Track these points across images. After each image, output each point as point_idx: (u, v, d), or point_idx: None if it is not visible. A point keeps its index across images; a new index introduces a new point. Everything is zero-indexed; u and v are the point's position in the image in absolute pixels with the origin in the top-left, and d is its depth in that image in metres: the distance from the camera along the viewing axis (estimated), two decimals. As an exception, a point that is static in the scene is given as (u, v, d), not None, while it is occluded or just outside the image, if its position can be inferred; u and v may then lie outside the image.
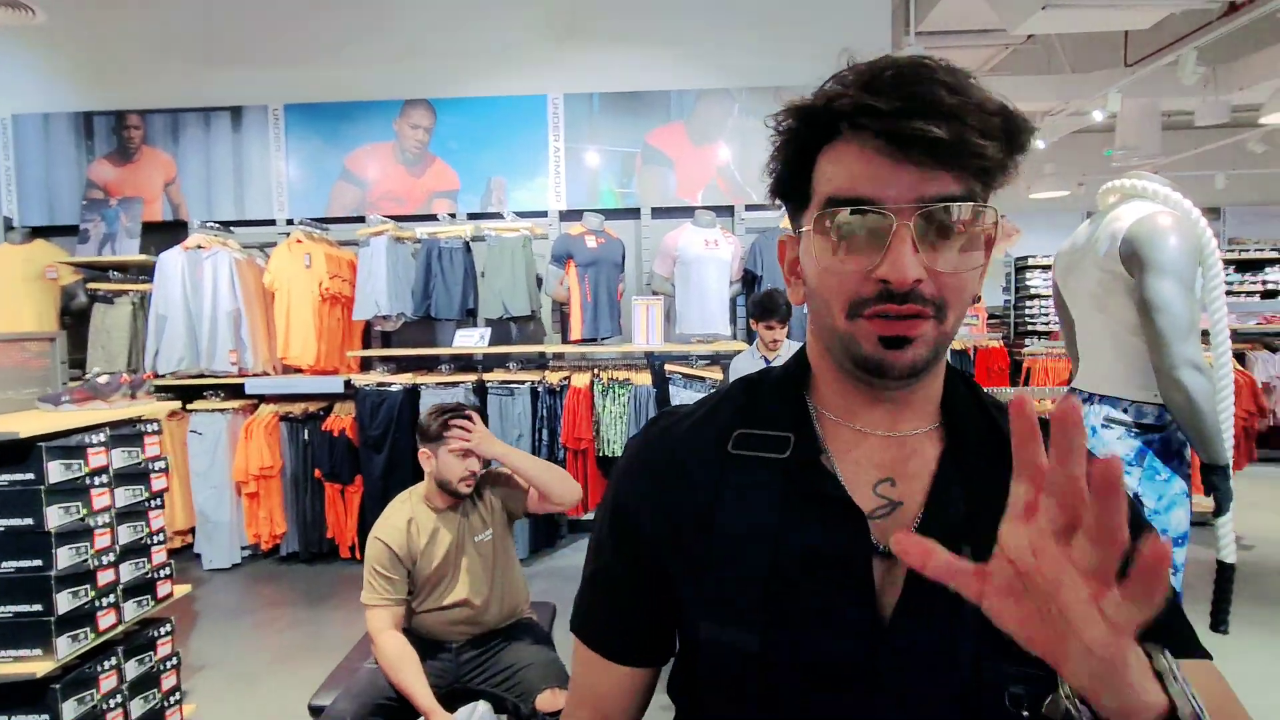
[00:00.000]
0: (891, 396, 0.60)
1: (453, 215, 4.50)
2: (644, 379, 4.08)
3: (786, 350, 3.20)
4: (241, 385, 4.23)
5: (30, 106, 4.69)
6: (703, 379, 4.03)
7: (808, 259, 0.58)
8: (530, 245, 4.24)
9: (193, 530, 4.21)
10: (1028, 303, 9.06)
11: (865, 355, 0.55)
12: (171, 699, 2.34)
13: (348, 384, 4.19)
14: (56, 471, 1.94)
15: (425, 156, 4.59)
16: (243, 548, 4.23)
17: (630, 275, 4.52)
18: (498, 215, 4.47)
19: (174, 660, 2.35)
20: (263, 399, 4.31)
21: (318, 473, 4.11)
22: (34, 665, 1.87)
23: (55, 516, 1.92)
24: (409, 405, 4.11)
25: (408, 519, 1.85)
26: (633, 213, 4.57)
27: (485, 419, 4.14)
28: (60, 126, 4.67)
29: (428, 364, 4.55)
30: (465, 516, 1.91)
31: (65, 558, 1.94)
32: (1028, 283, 8.99)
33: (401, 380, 4.11)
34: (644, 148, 4.50)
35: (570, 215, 4.52)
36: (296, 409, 4.18)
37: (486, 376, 4.16)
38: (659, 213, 4.54)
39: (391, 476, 4.07)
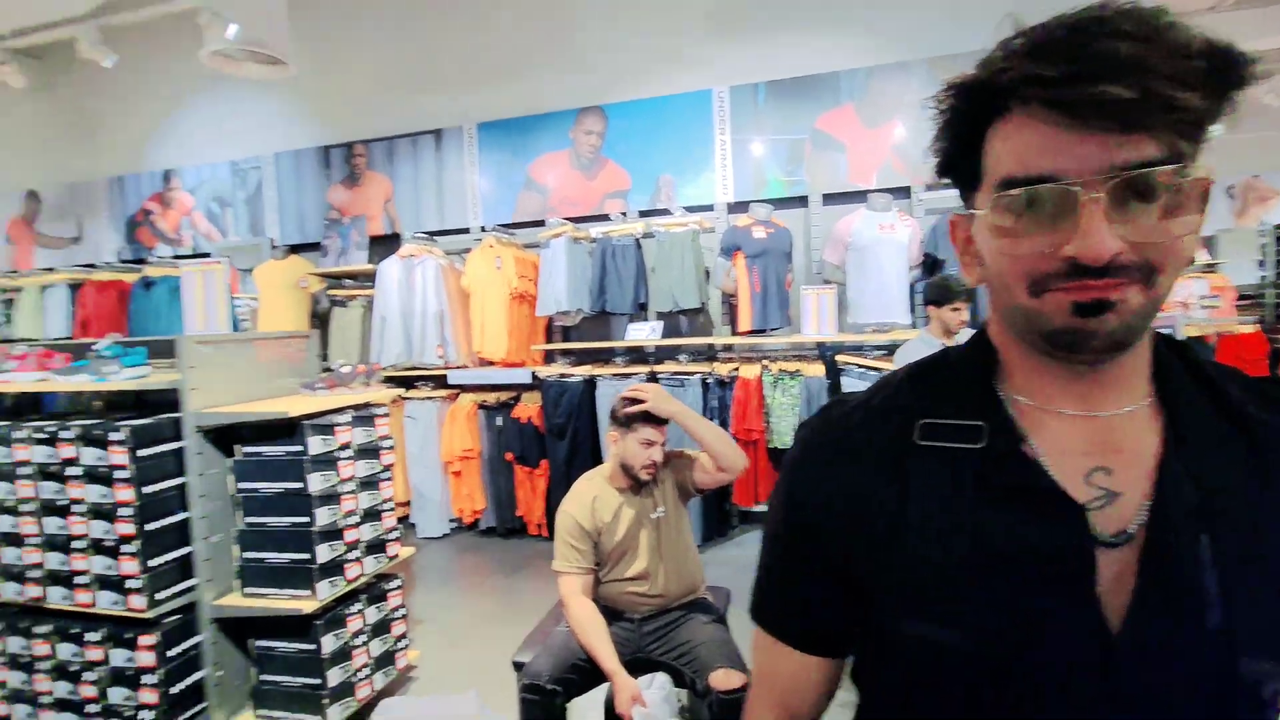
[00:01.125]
0: (1093, 373, 0.54)
1: (624, 214, 4.72)
2: (815, 370, 3.99)
3: (963, 336, 3.04)
4: (445, 376, 4.77)
5: (286, 145, 5.64)
6: (879, 370, 3.85)
7: (983, 239, 0.54)
8: (698, 239, 4.32)
9: (409, 503, 4.84)
10: None
11: (1056, 329, 0.50)
12: (400, 643, 2.73)
13: (533, 375, 4.56)
14: (316, 445, 2.35)
15: (598, 160, 4.85)
16: (449, 520, 4.78)
17: (799, 264, 4.44)
18: (666, 212, 4.60)
19: (402, 611, 2.74)
20: (463, 389, 4.83)
21: (509, 456, 4.52)
22: (303, 604, 2.29)
23: (315, 482, 2.33)
24: (588, 395, 4.38)
25: (593, 496, 2.01)
26: (801, 201, 4.48)
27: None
28: (308, 160, 5.57)
29: (603, 356, 4.81)
30: (647, 497, 2.03)
31: (323, 517, 2.34)
32: None
33: (580, 372, 4.39)
34: (812, 134, 4.38)
35: (737, 207, 4.53)
36: (491, 398, 4.63)
37: (658, 368, 4.31)
38: (829, 199, 4.40)
39: (573, 461, 4.37)
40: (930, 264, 3.98)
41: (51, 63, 6.28)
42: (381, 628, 2.62)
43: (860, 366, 3.94)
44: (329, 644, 2.35)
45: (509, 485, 4.59)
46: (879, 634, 0.59)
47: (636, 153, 4.76)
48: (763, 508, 4.37)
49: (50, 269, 6.11)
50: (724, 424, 4.14)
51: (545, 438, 4.44)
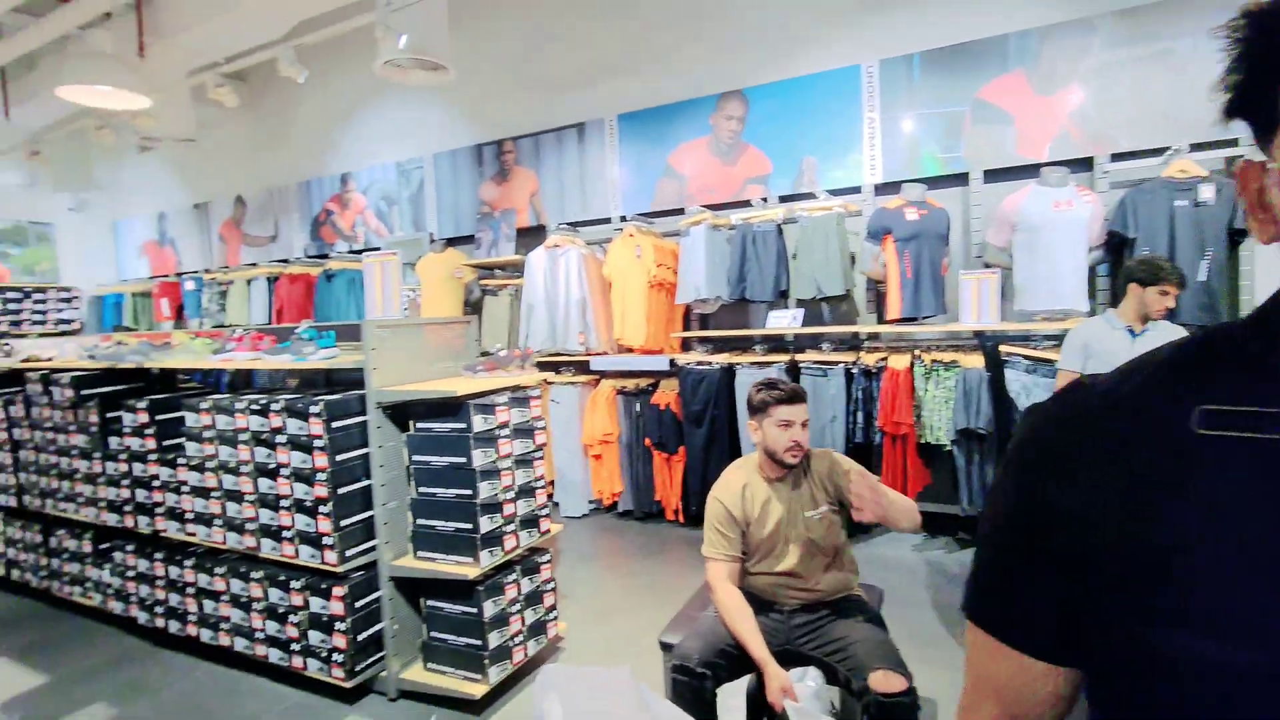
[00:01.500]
0: None
1: (764, 199, 4.62)
2: (974, 361, 3.70)
3: (1155, 329, 2.75)
4: (587, 363, 4.94)
5: (443, 146, 6.08)
6: (1049, 361, 3.50)
7: None
8: (844, 223, 4.14)
9: (552, 482, 5.08)
10: None
11: None
12: (550, 614, 2.87)
13: (672, 363, 4.61)
14: (478, 423, 2.51)
15: (738, 145, 4.78)
16: (589, 501, 4.96)
17: (956, 248, 4.13)
18: (809, 195, 4.45)
19: (552, 584, 2.88)
20: (603, 375, 4.98)
21: (647, 441, 4.61)
22: (467, 569, 2.47)
23: (478, 458, 2.50)
24: (726, 383, 4.35)
25: (743, 484, 1.99)
26: (959, 179, 4.15)
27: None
28: (463, 158, 5.97)
29: (742, 344, 4.76)
30: (797, 490, 1.97)
31: (484, 490, 2.51)
32: None
33: (719, 360, 4.38)
34: (973, 105, 4.04)
35: (886, 189, 4.29)
36: (630, 384, 4.74)
37: (799, 357, 4.19)
38: (992, 175, 4.05)
39: (710, 449, 4.38)
40: (1118, 243, 3.55)
41: (254, 83, 7.19)
42: (534, 598, 2.77)
43: (1027, 358, 3.60)
44: (489, 609, 2.52)
45: (647, 470, 4.68)
46: (1135, 647, 0.52)
47: (778, 136, 4.64)
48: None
49: (254, 264, 7.03)
50: (869, 416, 3.96)
51: (683, 424, 4.47)
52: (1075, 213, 3.51)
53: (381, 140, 6.47)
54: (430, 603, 2.62)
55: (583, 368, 5.07)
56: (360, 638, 2.58)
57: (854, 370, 4.01)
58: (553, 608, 2.89)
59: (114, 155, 8.37)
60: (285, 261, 6.73)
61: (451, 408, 2.52)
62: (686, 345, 4.85)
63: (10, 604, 3.79)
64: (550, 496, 5.10)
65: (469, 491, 2.49)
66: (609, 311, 4.92)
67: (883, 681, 1.62)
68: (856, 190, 4.38)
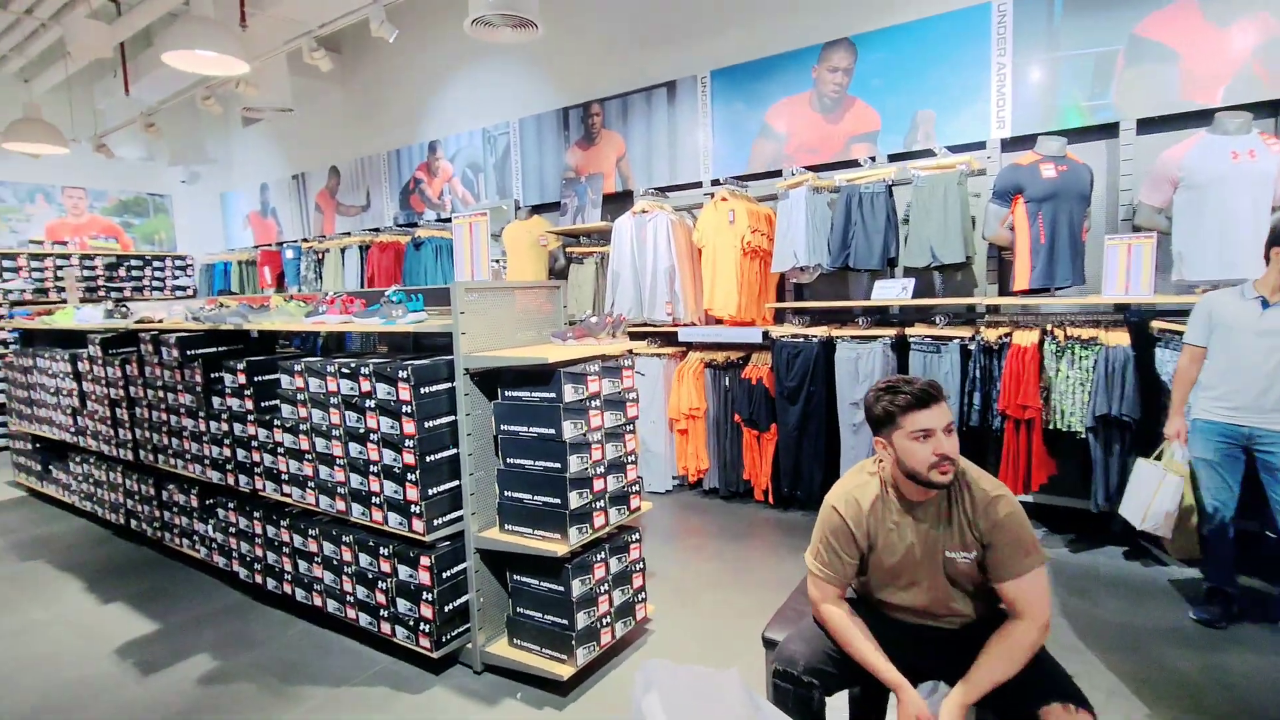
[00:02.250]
0: None
1: (873, 159, 4.22)
2: (1118, 338, 3.25)
3: None
4: (675, 334, 4.74)
5: (528, 110, 5.95)
6: (1217, 340, 3.01)
7: None
8: (965, 182, 3.72)
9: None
10: None
11: None
12: (639, 596, 2.73)
13: (765, 335, 4.34)
14: (569, 393, 2.36)
15: (844, 100, 4.39)
16: (673, 477, 4.80)
17: (1098, 210, 3.63)
18: (925, 153, 4.03)
19: (641, 564, 2.73)
20: (690, 346, 4.76)
21: (737, 417, 4.38)
22: (555, 546, 2.35)
23: (568, 430, 2.35)
24: (824, 358, 4.05)
25: (873, 498, 1.62)
26: (1106, 130, 3.63)
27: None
28: (548, 123, 5.82)
29: (841, 317, 4.43)
30: (944, 522, 1.55)
31: (574, 464, 2.36)
32: None
33: (817, 332, 4.07)
34: (1129, 42, 3.50)
35: (1015, 144, 3.82)
36: (719, 357, 4.51)
37: (908, 331, 3.83)
38: (1147, 125, 3.51)
39: (805, 427, 4.11)
40: (1310, 202, 3.00)
41: (347, 53, 7.29)
42: (622, 578, 2.63)
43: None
44: (577, 588, 2.40)
45: (735, 448, 4.46)
46: None
47: (889, 88, 4.22)
48: (1033, 498, 3.74)
49: (347, 233, 7.19)
50: (987, 398, 3.58)
51: (776, 401, 4.21)
52: (1259, 165, 2.97)
53: (468, 106, 6.41)
54: (517, 577, 2.53)
55: (670, 339, 4.88)
56: (447, 609, 2.51)
57: (971, 346, 3.62)
58: (641, 589, 2.74)
59: (221, 129, 8.77)
60: (376, 230, 6.84)
61: (541, 376, 2.38)
62: (781, 317, 4.56)
63: (130, 552, 4.02)
64: (633, 471, 4.98)
65: (558, 465, 2.36)
66: (698, 280, 4.68)
67: (1062, 716, 1.35)
68: (980, 146, 3.92)
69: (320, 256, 7.00)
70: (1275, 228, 2.52)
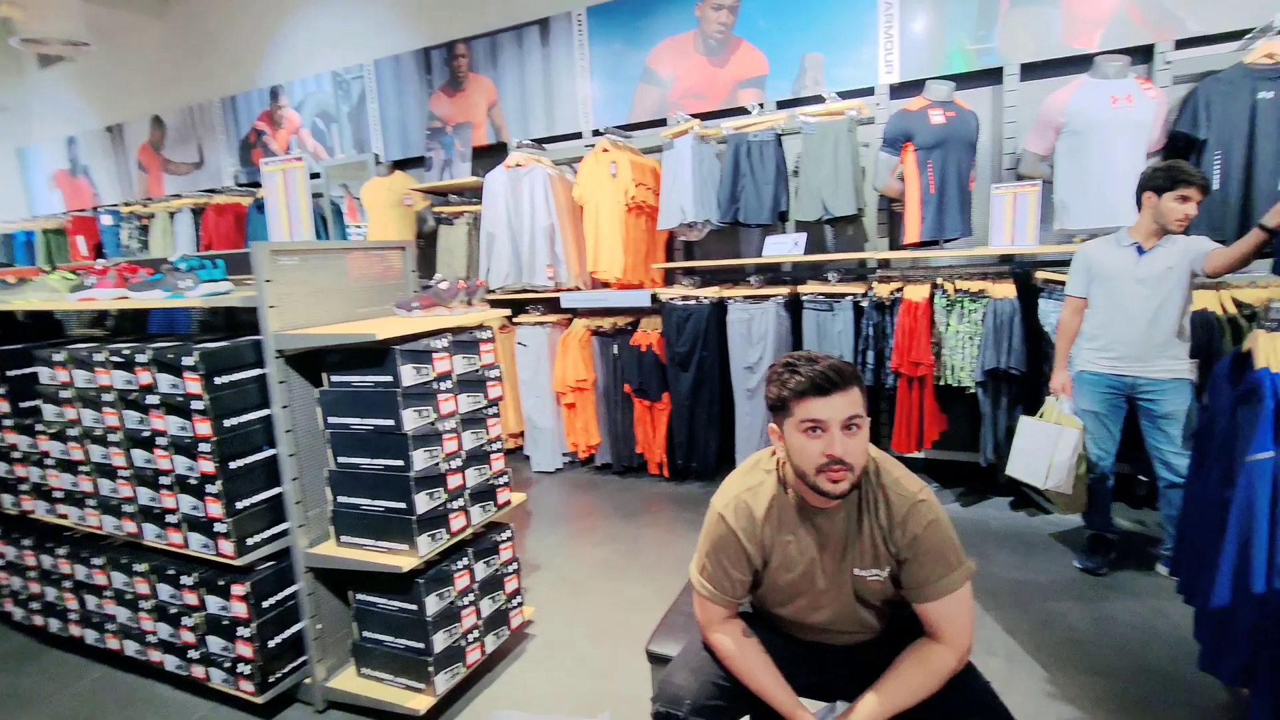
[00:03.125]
0: None
1: (761, 106, 3.96)
2: (1004, 290, 3.18)
3: (1170, 245, 2.42)
4: (557, 300, 4.35)
5: (385, 51, 5.24)
6: (1098, 289, 2.99)
7: None
8: (855, 130, 3.52)
9: (521, 434, 4.56)
10: None
11: None
12: (513, 601, 2.38)
13: (653, 298, 4.03)
14: (409, 375, 1.94)
15: (729, 41, 4.08)
16: (563, 454, 4.46)
17: (983, 159, 3.54)
18: (814, 99, 3.81)
19: (514, 565, 2.38)
20: (575, 313, 4.39)
21: (627, 388, 4.08)
22: (401, 559, 1.95)
23: (410, 419, 1.94)
24: (716, 320, 3.81)
25: (769, 502, 1.31)
26: (991, 76, 3.53)
27: (799, 337, 3.67)
28: (408, 66, 5.16)
29: (733, 276, 4.20)
30: (853, 534, 1.28)
31: (420, 460, 1.96)
32: None
33: (707, 294, 3.81)
34: (1012, -16, 3.39)
35: (904, 90, 3.66)
36: (606, 323, 4.17)
37: (801, 289, 3.64)
38: (1031, 70, 3.43)
39: (698, 395, 3.87)
40: (1183, 147, 3.00)
41: (162, -21, 6.19)
42: (492, 585, 2.27)
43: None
44: (432, 605, 2.02)
45: (627, 420, 4.16)
46: None
47: (777, 29, 3.94)
48: (924, 455, 3.70)
49: (177, 195, 6.21)
50: (880, 356, 3.45)
51: (667, 368, 3.94)
52: (1136, 111, 2.93)
53: (316, 46, 5.58)
54: (361, 597, 2.11)
55: (552, 306, 4.48)
56: (274, 642, 2.07)
57: (864, 303, 3.47)
58: (516, 593, 2.40)
59: (12, 70, 7.32)
60: (213, 191, 5.92)
61: (373, 356, 1.95)
62: (670, 278, 4.26)
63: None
64: (519, 449, 4.60)
65: (400, 462, 1.94)
66: (581, 241, 4.29)
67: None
68: (869, 92, 3.74)
69: (145, 222, 5.99)
70: (1144, 173, 2.47)
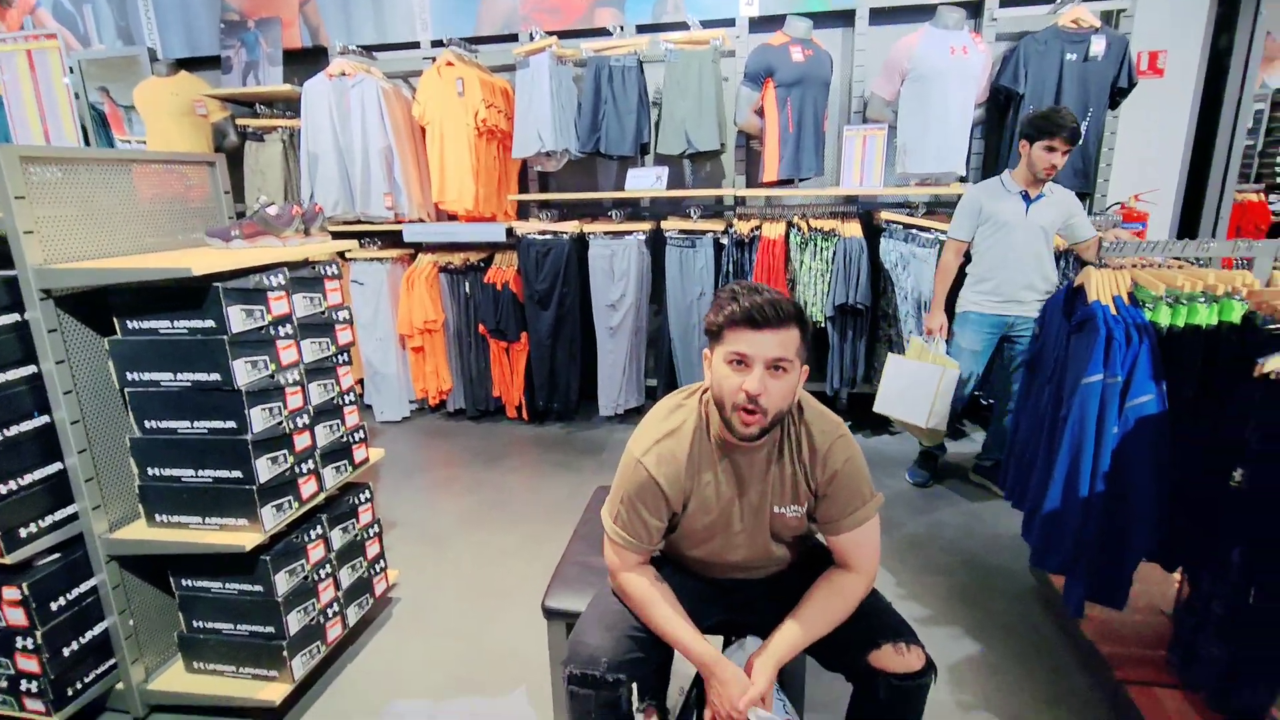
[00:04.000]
0: None
1: (621, 27, 3.74)
2: (853, 230, 3.36)
3: (1049, 191, 2.61)
4: (399, 233, 3.91)
5: (156, -84, 4.23)
6: (931, 230, 3.25)
7: None
8: (719, 61, 3.45)
9: (361, 382, 4.14)
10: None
11: None
12: (376, 567, 2.16)
13: (509, 232, 3.76)
14: (238, 319, 1.60)
15: (584, -47, 3.77)
16: (411, 401, 4.13)
17: (834, 99, 3.65)
18: (678, 26, 3.66)
19: (376, 528, 2.15)
20: (420, 248, 4.00)
21: (482, 328, 3.82)
22: (242, 536, 1.65)
23: (243, 372, 1.61)
24: (576, 256, 3.65)
25: (690, 443, 1.25)
26: (843, 18, 3.61)
27: (663, 272, 3.63)
28: (189, -62, 4.21)
29: (591, 210, 4.03)
30: (774, 472, 1.25)
31: (260, 420, 1.65)
32: None
33: (567, 228, 3.62)
34: (864, -76, 3.44)
35: (763, 25, 3.63)
36: (456, 259, 3.83)
37: (664, 225, 3.58)
38: (880, 16, 3.55)
39: (560, 335, 3.72)
40: (1004, 99, 3.28)
41: None
42: (352, 551, 2.03)
43: (906, 225, 3.33)
44: (284, 583, 1.75)
45: (482, 362, 3.92)
46: None
47: (634, -56, 3.71)
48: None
49: None
50: (740, 293, 3.52)
51: (525, 306, 3.73)
52: (969, 62, 3.15)
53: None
54: (186, 582, 1.78)
55: (394, 239, 4.03)
56: (68, 650, 1.68)
57: (725, 240, 3.50)
58: (379, 558, 2.17)
59: None
60: (-90, 80, 4.52)
61: (186, 296, 1.57)
62: (525, 211, 4.00)
63: None
64: (359, 398, 4.18)
65: (232, 424, 1.62)
66: (424, 167, 3.87)
67: (894, 659, 1.19)
68: (730, 23, 3.67)
69: None
70: (1023, 120, 2.57)
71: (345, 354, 2.01)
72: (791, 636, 1.23)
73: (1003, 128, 3.38)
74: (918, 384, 2.79)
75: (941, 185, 3.36)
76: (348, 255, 3.92)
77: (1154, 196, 3.55)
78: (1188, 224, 3.64)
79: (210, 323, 1.57)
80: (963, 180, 3.40)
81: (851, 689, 1.29)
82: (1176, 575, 1.84)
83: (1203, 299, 1.62)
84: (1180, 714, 1.57)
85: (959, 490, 3.01)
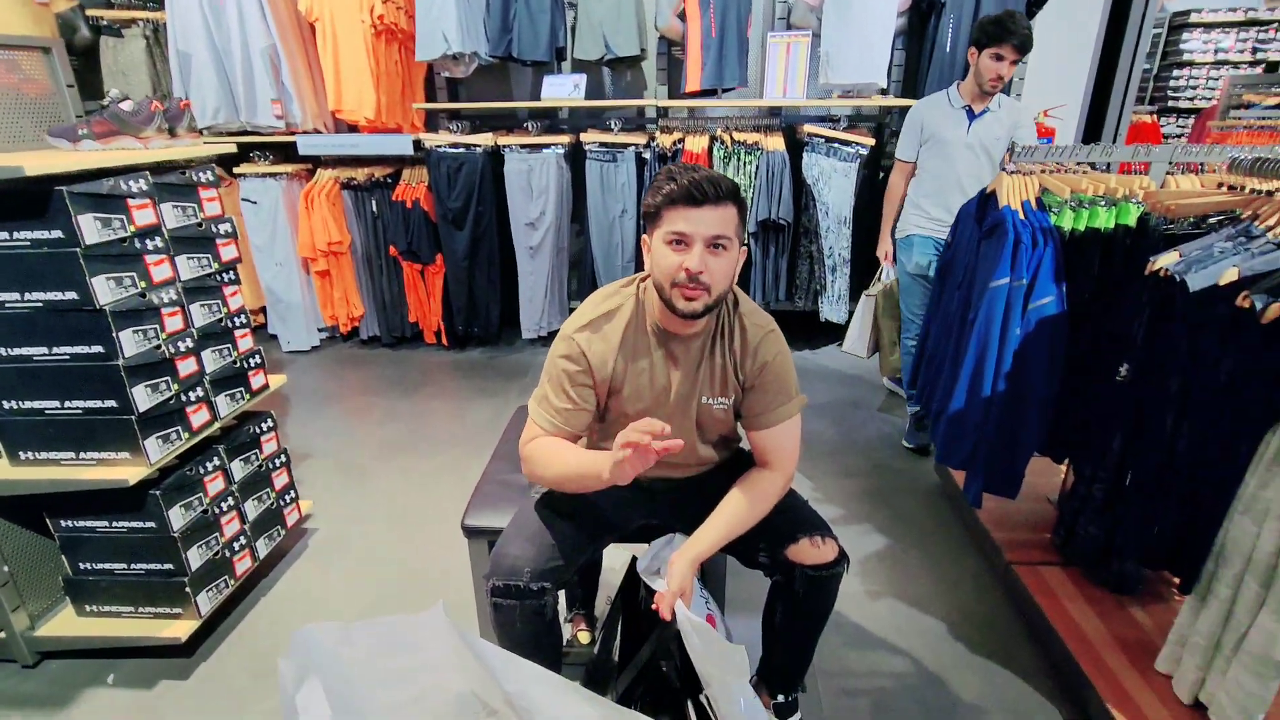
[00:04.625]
0: None
1: (529, -87, 3.42)
2: (775, 143, 3.30)
3: (997, 106, 2.37)
4: (293, 145, 3.57)
5: None
6: (854, 144, 3.24)
7: None
8: (637, -44, 3.23)
9: (263, 310, 3.86)
10: (1175, 72, 7.43)
11: None
12: (286, 497, 2.06)
13: (417, 145, 3.50)
14: (92, 230, 1.41)
15: None
16: (319, 329, 3.89)
17: (759, 4, 3.50)
18: (589, -86, 3.37)
19: (283, 457, 2.03)
20: (319, 162, 3.67)
21: (393, 250, 3.60)
22: (123, 470, 1.52)
23: (105, 290, 1.44)
24: (491, 172, 3.45)
25: (625, 327, 1.22)
26: (766, -87, 3.42)
27: (583, 189, 3.50)
28: None
29: (506, 121, 3.79)
30: (707, 362, 1.24)
31: (131, 343, 1.49)
32: (1181, 46, 7.24)
33: (480, 141, 3.40)
34: None
35: (682, -84, 3.39)
36: (360, 175, 3.55)
37: (584, 137, 3.41)
38: (802, -89, 3.38)
39: (477, 255, 3.56)
40: (926, 9, 3.24)
41: None
42: (256, 483, 1.92)
43: (829, 140, 3.30)
44: (179, 518, 1.63)
45: (396, 285, 3.72)
46: None
47: None
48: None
49: None
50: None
51: (439, 226, 3.53)
52: (892, -34, 3.06)
53: None
54: (66, 523, 1.63)
55: (288, 152, 3.68)
56: (-67, 602, 1.53)
57: (647, 154, 3.38)
58: (289, 487, 2.07)
59: None
60: None
61: (27, 202, 1.37)
62: (434, 122, 3.73)
63: None
64: (261, 328, 3.92)
65: (98, 349, 1.45)
66: (317, 70, 3.51)
67: (810, 552, 1.22)
68: (646, -86, 3.42)
69: None
70: (975, 27, 2.34)
71: (232, 271, 1.83)
72: (710, 534, 1.24)
73: (923, 38, 3.35)
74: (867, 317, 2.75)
75: (863, 97, 3.33)
76: (239, 172, 3.57)
77: (1061, 112, 3.64)
78: (1090, 141, 3.77)
79: (58, 233, 1.38)
80: (884, 92, 3.37)
81: (769, 584, 1.33)
82: (1063, 466, 1.99)
83: (1104, 203, 1.68)
84: (1059, 586, 1.73)
85: (876, 400, 3.14)
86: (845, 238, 3.38)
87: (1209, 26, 6.70)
